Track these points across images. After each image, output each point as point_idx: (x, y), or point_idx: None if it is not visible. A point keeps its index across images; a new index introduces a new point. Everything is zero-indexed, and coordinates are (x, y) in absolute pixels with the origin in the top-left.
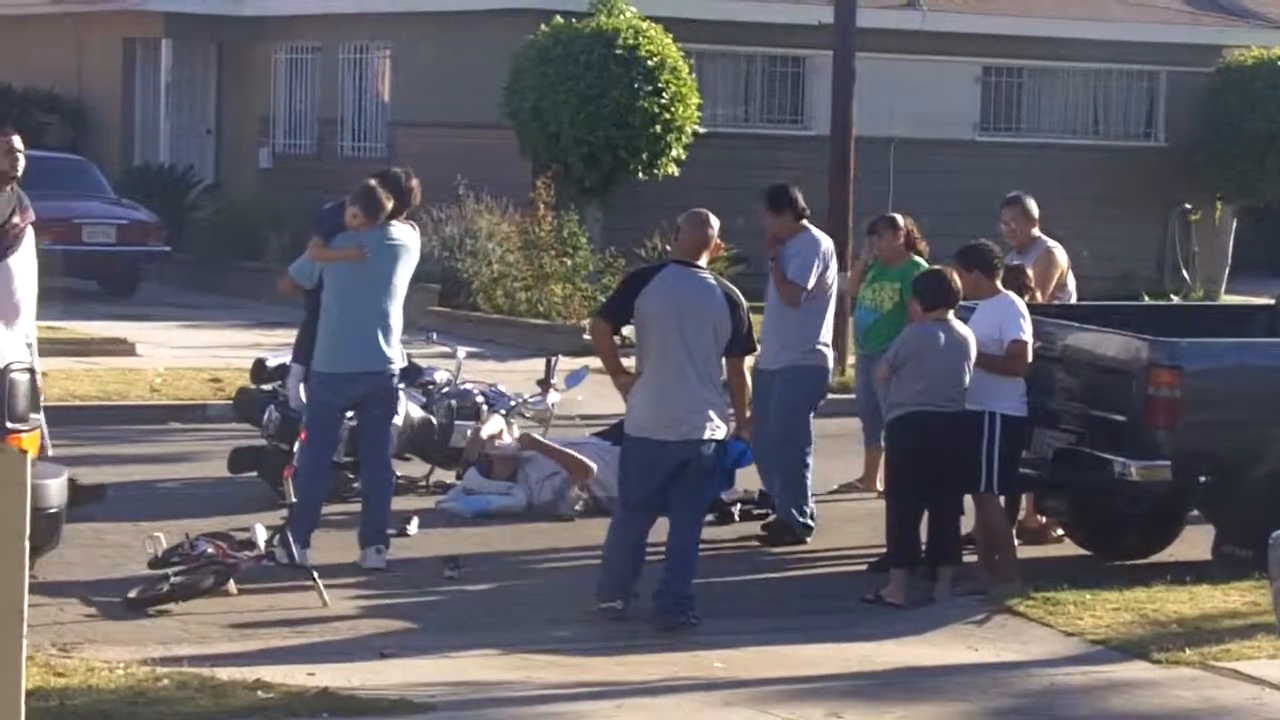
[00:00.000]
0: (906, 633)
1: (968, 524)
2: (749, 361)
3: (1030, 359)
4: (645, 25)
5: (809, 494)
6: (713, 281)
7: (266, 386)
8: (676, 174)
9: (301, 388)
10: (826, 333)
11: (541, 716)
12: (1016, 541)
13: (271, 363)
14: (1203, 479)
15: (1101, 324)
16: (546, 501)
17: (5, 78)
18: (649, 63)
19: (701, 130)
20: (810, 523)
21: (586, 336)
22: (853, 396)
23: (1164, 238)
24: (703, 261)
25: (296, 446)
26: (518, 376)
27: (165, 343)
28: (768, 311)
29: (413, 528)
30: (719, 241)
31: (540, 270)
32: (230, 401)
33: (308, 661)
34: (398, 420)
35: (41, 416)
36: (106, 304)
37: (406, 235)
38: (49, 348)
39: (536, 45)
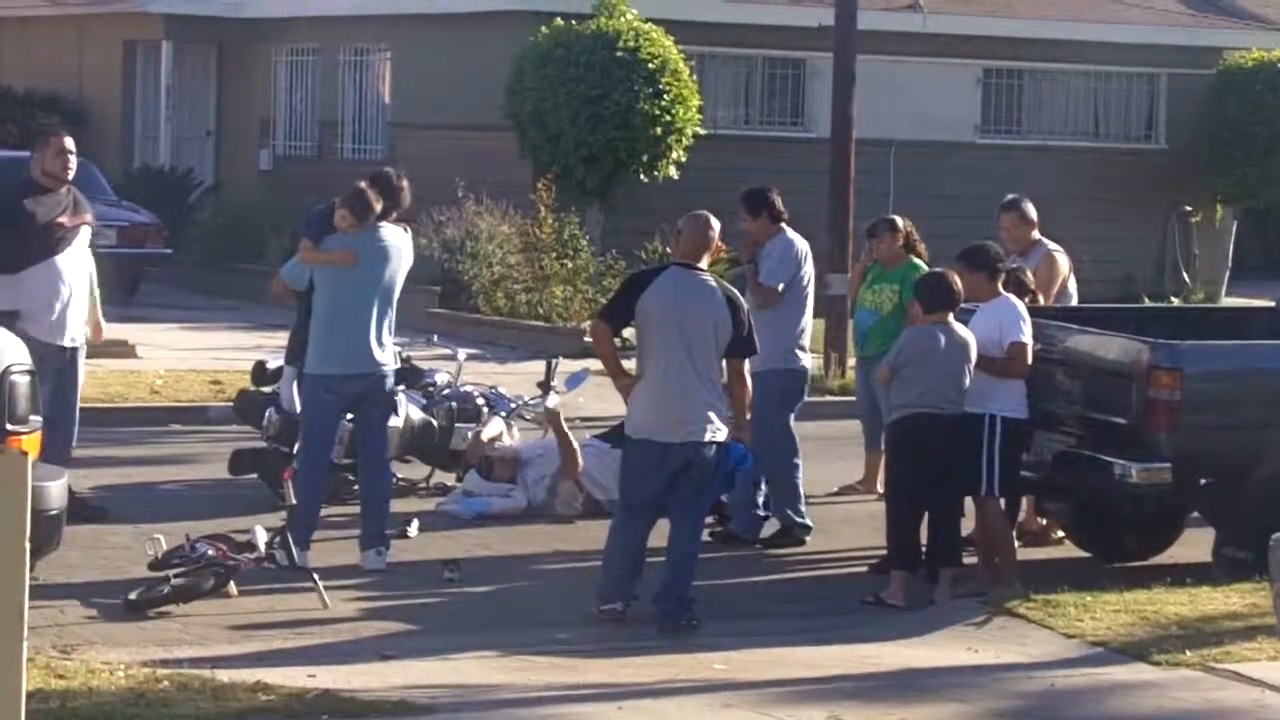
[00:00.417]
0: (907, 634)
1: (968, 526)
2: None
3: (1030, 361)
4: (646, 27)
5: (802, 495)
6: (713, 283)
7: (267, 389)
8: (677, 176)
9: (295, 390)
10: (805, 335)
11: (542, 718)
12: (1017, 544)
13: (272, 365)
14: (1203, 481)
15: (1102, 326)
16: (543, 501)
17: (6, 79)
18: (650, 65)
19: (702, 132)
20: (808, 522)
21: (587, 338)
22: (853, 399)
23: (1164, 240)
24: (703, 264)
25: (297, 448)
26: (518, 379)
27: (166, 345)
28: None
29: (413, 530)
30: (720, 244)
31: (541, 272)
32: (231, 403)
33: (308, 663)
34: (398, 422)
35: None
36: (107, 306)
37: (398, 238)
38: None
39: (537, 47)
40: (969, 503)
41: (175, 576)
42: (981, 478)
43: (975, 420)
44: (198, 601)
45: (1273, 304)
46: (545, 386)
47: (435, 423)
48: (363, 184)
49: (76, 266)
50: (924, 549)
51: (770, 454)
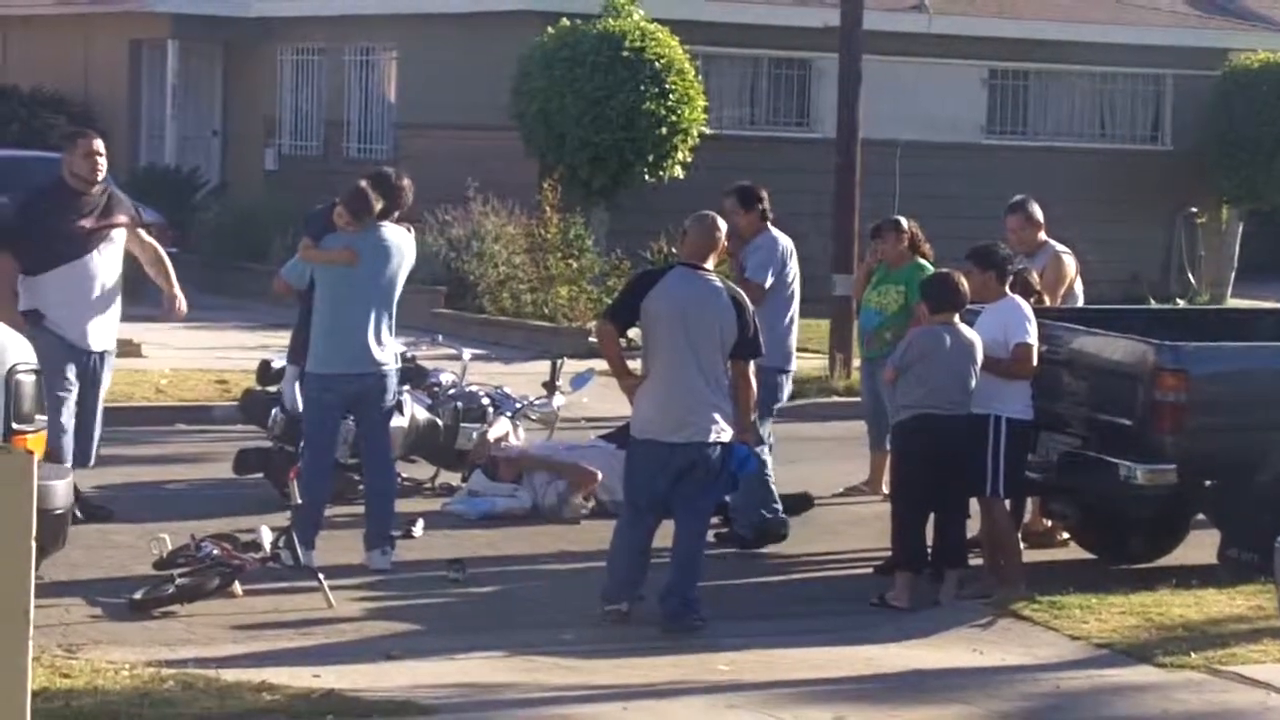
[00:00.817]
0: (912, 636)
1: (973, 527)
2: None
3: (1036, 362)
4: (652, 28)
5: (774, 492)
6: (719, 284)
7: (272, 388)
8: (682, 176)
9: (297, 389)
10: (791, 334)
11: (548, 719)
12: (1022, 545)
13: (277, 364)
14: (1208, 483)
15: (1107, 328)
16: (551, 505)
17: (12, 78)
18: (655, 65)
19: (708, 132)
20: (785, 516)
21: (592, 339)
22: (858, 400)
23: (1170, 241)
24: (709, 264)
25: (301, 448)
26: (523, 379)
27: (171, 344)
28: None
29: (418, 529)
30: (725, 244)
31: (546, 272)
32: (236, 403)
33: (313, 663)
34: (403, 422)
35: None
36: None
37: (399, 237)
38: None
39: (543, 47)
40: (974, 504)
41: (180, 576)
42: (987, 479)
43: (981, 421)
44: (202, 601)
45: (1279, 305)
46: (550, 387)
47: (440, 423)
48: (362, 183)
49: (105, 270)
50: (929, 550)
51: None
